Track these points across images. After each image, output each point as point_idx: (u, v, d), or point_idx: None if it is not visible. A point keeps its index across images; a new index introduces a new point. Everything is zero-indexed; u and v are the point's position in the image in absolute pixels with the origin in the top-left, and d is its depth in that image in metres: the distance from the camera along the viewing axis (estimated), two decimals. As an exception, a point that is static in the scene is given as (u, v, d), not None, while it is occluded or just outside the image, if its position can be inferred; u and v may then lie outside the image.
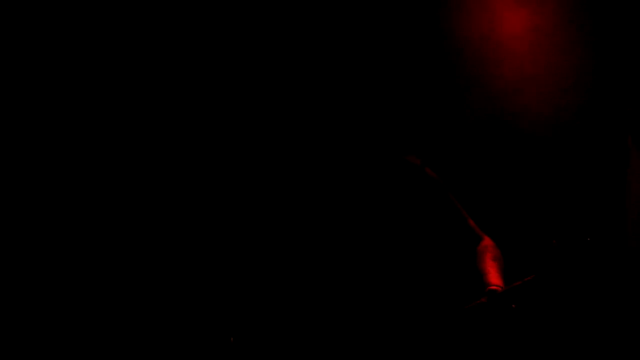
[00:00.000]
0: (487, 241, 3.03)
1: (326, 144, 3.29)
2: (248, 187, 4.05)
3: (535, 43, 3.87)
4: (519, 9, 3.90)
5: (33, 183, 3.92)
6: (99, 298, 3.90)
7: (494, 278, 2.79)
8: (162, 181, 4.04)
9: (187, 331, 3.88)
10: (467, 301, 2.79)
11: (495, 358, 2.92)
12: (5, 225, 3.87)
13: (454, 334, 2.78)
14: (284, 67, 4.09)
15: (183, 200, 4.03)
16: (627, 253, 3.47)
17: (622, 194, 3.57)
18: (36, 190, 3.93)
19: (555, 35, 3.86)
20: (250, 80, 4.10)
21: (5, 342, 3.77)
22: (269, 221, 3.94)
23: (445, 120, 4.04)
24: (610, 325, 3.65)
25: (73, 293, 3.89)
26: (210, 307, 3.89)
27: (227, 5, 4.10)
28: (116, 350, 3.86)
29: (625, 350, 3.55)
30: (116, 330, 3.87)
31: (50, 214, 3.92)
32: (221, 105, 4.11)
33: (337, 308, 3.00)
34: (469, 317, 2.73)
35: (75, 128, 3.99)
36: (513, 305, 2.65)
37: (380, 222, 3.00)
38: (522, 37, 3.89)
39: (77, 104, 4.00)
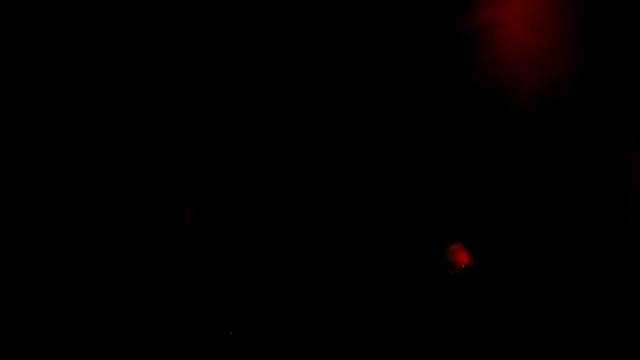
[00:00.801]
0: (459, 245, 3.05)
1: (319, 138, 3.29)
2: (250, 187, 4.05)
3: (535, 31, 3.85)
4: None
5: (33, 183, 3.94)
6: (98, 298, 3.90)
7: (464, 257, 2.82)
8: (161, 181, 4.04)
9: (187, 329, 3.87)
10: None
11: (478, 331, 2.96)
12: (5, 225, 3.88)
13: (434, 309, 2.83)
14: (286, 62, 4.10)
15: (182, 199, 4.04)
16: (627, 247, 3.45)
17: (622, 190, 3.54)
18: (36, 190, 3.94)
19: (556, 24, 3.84)
20: (261, 79, 4.11)
21: (5, 342, 3.79)
22: (269, 221, 3.94)
23: (442, 93, 4.02)
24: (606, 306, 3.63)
25: (73, 293, 3.90)
26: (210, 306, 3.89)
27: (227, 5, 4.10)
28: (116, 350, 3.87)
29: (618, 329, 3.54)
30: (116, 330, 3.88)
31: (50, 214, 3.93)
32: (221, 105, 4.11)
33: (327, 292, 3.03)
34: (448, 291, 2.78)
35: (75, 128, 4.00)
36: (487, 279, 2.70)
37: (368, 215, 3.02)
38: (523, 23, 3.87)
39: (77, 104, 4.01)
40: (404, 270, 3.01)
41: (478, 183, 3.82)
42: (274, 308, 3.70)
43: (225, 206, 4.03)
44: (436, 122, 3.93)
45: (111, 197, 3.99)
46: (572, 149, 3.75)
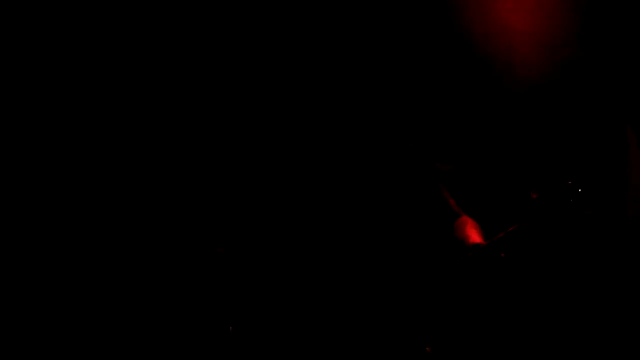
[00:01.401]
0: (465, 217, 3.10)
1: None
2: (248, 186, 4.06)
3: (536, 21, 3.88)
4: None
5: (33, 183, 3.93)
6: (98, 298, 3.90)
7: (475, 238, 2.87)
8: (162, 181, 4.05)
9: (187, 327, 3.87)
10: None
11: (488, 307, 3.01)
12: (5, 225, 3.88)
13: (446, 287, 2.88)
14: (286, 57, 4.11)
15: (183, 200, 4.04)
16: (627, 241, 3.47)
17: (622, 184, 3.57)
18: (36, 191, 3.94)
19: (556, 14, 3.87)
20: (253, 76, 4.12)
21: (5, 342, 3.78)
22: (269, 219, 3.95)
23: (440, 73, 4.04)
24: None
25: (73, 293, 3.89)
26: (209, 305, 3.88)
27: (231, 5, 4.11)
28: (116, 350, 3.86)
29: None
30: (116, 330, 3.87)
31: (51, 214, 3.93)
32: (224, 105, 4.12)
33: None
34: (459, 271, 2.83)
35: (75, 128, 4.00)
36: (502, 255, 2.74)
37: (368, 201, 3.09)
38: (524, 17, 3.90)
39: (77, 104, 4.02)
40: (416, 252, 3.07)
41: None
42: (273, 304, 3.71)
43: (225, 207, 4.04)
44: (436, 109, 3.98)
45: (111, 199, 4.00)
46: (572, 144, 3.78)
